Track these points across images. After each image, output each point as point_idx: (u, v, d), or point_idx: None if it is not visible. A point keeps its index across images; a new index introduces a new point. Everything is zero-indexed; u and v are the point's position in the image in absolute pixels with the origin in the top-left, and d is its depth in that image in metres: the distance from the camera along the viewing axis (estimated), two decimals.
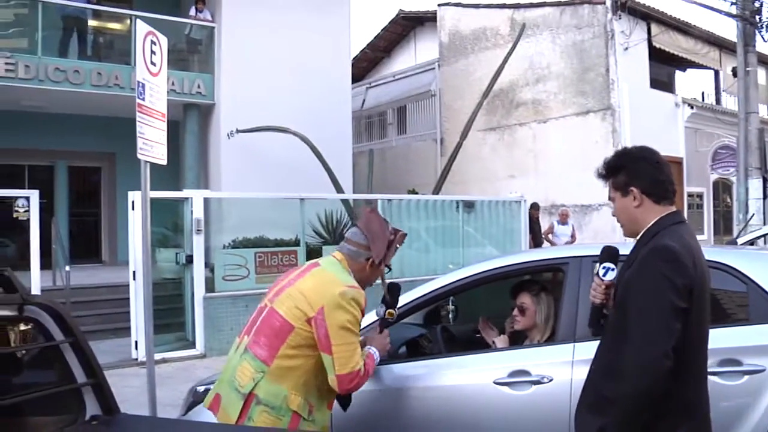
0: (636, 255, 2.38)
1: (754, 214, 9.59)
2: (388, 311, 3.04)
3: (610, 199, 2.55)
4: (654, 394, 2.19)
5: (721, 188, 18.19)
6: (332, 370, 2.65)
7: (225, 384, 2.78)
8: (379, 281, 3.03)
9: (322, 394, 2.78)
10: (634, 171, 2.43)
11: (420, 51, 21.62)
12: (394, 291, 3.07)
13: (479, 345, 3.83)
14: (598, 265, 2.57)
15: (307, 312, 2.68)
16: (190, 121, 13.67)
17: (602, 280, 2.53)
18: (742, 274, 3.09)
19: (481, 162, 17.56)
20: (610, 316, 2.51)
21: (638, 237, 2.44)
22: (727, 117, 16.69)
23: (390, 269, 3.02)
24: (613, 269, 2.51)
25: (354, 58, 18.89)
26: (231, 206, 10.14)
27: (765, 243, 8.97)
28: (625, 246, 2.68)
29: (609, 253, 2.58)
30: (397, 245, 2.96)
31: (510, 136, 17.23)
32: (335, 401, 2.94)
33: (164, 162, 4.97)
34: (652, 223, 2.41)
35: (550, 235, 13.87)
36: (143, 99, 4.71)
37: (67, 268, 9.72)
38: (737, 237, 6.61)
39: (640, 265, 2.30)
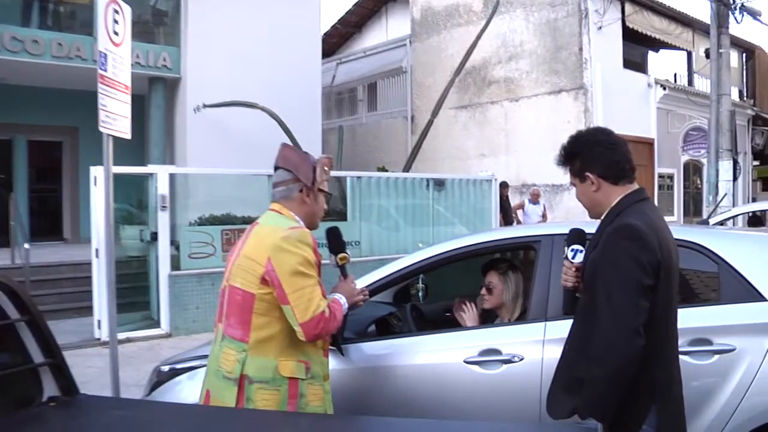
0: (601, 235, 2.39)
1: (726, 195, 9.74)
2: (339, 257, 2.89)
3: (571, 184, 2.56)
4: (626, 373, 2.21)
5: (692, 170, 18.45)
6: (294, 320, 2.55)
7: (212, 376, 2.72)
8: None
9: (315, 348, 2.71)
10: (589, 156, 2.44)
11: (392, 27, 21.46)
12: (332, 235, 2.94)
13: (449, 324, 3.84)
14: (566, 248, 2.58)
15: (258, 271, 2.58)
16: (155, 95, 13.43)
17: (572, 262, 2.54)
18: (714, 253, 3.12)
19: (451, 140, 17.56)
20: (581, 299, 2.52)
21: (602, 217, 2.45)
22: (699, 98, 16.87)
23: (330, 194, 2.91)
24: (581, 251, 2.52)
25: (324, 34, 18.71)
26: (197, 182, 10.00)
27: (733, 224, 9.13)
28: (592, 225, 2.68)
29: (576, 235, 2.59)
30: (325, 168, 2.81)
31: (481, 114, 17.23)
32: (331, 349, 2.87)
33: (128, 136, 4.86)
34: (615, 203, 2.42)
35: (519, 212, 13.96)
36: (105, 70, 4.58)
37: (27, 245, 9.53)
38: (709, 217, 6.69)
39: (604, 244, 2.31)
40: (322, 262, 2.72)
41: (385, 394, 3.20)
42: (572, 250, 2.55)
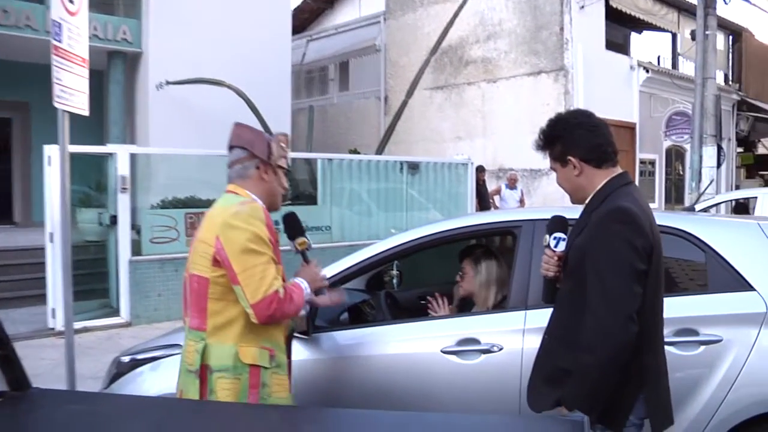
0: (587, 220, 2.39)
1: (712, 181, 9.85)
2: (298, 242, 2.85)
3: (551, 168, 2.56)
4: (619, 361, 2.22)
5: (674, 156, 18.64)
6: (246, 301, 2.48)
7: (181, 373, 2.68)
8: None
9: (278, 332, 2.67)
10: (570, 139, 2.44)
11: (365, 3, 21.30)
12: (289, 221, 2.89)
13: (425, 312, 3.84)
14: (547, 236, 2.57)
15: (209, 253, 2.54)
16: (114, 70, 13.18)
17: (554, 251, 2.53)
18: (701, 241, 3.15)
19: (426, 122, 17.53)
20: (563, 286, 2.52)
21: (587, 202, 2.45)
22: (683, 82, 17.01)
23: (289, 170, 2.85)
24: (564, 239, 2.52)
25: (294, 9, 18.51)
26: (160, 163, 9.86)
27: (716, 212, 9.24)
28: (573, 211, 2.69)
29: (559, 223, 2.59)
30: (282, 144, 2.77)
31: (458, 95, 17.22)
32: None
33: (86, 113, 4.74)
34: (600, 186, 2.42)
35: (496, 197, 14.01)
36: (60, 41, 4.46)
37: None
38: (695, 204, 6.77)
39: (596, 229, 2.31)
40: (283, 248, 2.68)
41: (359, 385, 3.19)
42: (555, 238, 2.55)
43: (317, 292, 2.77)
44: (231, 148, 2.76)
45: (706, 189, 8.48)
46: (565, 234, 2.54)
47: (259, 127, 11.94)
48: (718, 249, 3.11)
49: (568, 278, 2.47)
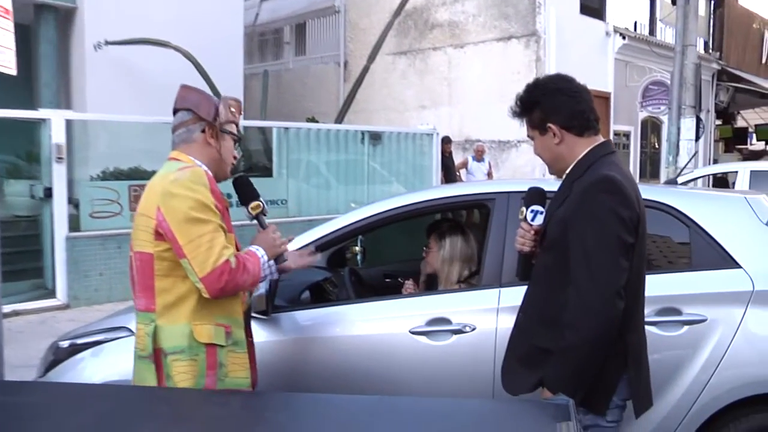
0: (568, 191, 2.40)
1: (696, 153, 9.96)
2: (251, 206, 2.75)
3: (528, 137, 2.55)
4: (606, 339, 2.23)
5: (650, 128, 18.88)
6: (194, 275, 2.42)
7: (135, 360, 2.62)
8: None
9: (234, 306, 2.61)
10: (550, 105, 2.44)
11: None
12: (240, 184, 2.80)
13: (391, 290, 3.83)
14: (524, 209, 2.56)
15: (151, 225, 2.48)
16: (44, 26, 12.77)
17: (531, 225, 2.53)
18: (685, 215, 3.17)
19: (388, 89, 17.45)
20: (540, 260, 2.52)
21: (567, 172, 2.45)
22: (661, 50, 17.15)
23: (239, 138, 2.78)
24: (542, 212, 2.52)
25: None
26: (100, 131, 9.66)
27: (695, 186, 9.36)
28: (549, 183, 2.69)
29: (536, 195, 2.58)
30: (231, 108, 2.71)
31: (422, 61, 17.15)
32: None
33: (13, 72, 4.58)
34: (582, 155, 2.42)
35: (463, 171, 14.05)
36: None
37: None
38: (678, 176, 6.87)
39: (580, 199, 2.31)
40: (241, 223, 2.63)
41: (322, 369, 3.18)
42: (532, 211, 2.54)
43: (277, 259, 2.71)
44: (175, 111, 2.69)
45: (689, 161, 8.58)
46: (543, 207, 2.53)
47: (209, 92, 11.79)
48: (702, 224, 3.14)
49: (546, 252, 2.47)
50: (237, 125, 2.77)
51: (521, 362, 2.50)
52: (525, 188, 3.11)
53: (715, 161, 20.42)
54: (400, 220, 3.64)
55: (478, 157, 14.11)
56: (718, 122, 22.74)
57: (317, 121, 14.43)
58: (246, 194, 2.79)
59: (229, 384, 2.53)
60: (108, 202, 8.76)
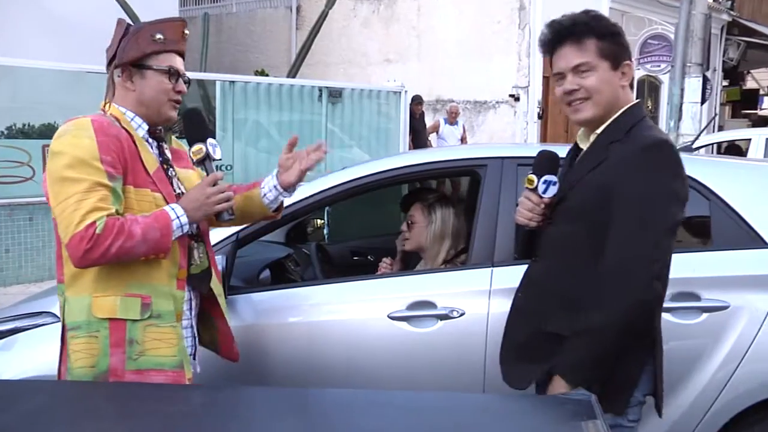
0: (603, 153, 2.35)
1: (716, 115, 9.96)
2: (192, 150, 2.62)
3: (587, 64, 2.37)
4: (636, 325, 2.23)
5: (647, 88, 19.03)
6: (63, 241, 2.36)
7: None
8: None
9: (157, 275, 2.50)
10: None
11: None
12: (189, 120, 2.68)
13: (360, 269, 3.81)
14: (534, 177, 2.48)
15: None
16: None
17: (541, 197, 2.46)
18: (704, 186, 3.17)
19: (348, 40, 17.36)
20: (557, 231, 2.46)
21: (599, 131, 2.40)
22: None
23: (170, 70, 2.59)
24: (555, 183, 2.46)
25: None
26: (4, 78, 9.38)
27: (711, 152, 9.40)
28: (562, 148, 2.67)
29: (549, 161, 2.51)
30: (157, 36, 2.54)
31: (388, 8, 17.08)
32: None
33: None
34: (617, 115, 2.38)
35: (433, 136, 14.05)
36: None
37: None
38: (693, 142, 6.91)
39: (632, 165, 2.25)
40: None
41: (286, 359, 3.16)
42: (545, 182, 2.46)
43: (218, 215, 2.61)
44: None
45: (708, 125, 8.61)
46: (556, 176, 2.48)
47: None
48: (724, 197, 3.14)
49: (568, 222, 2.41)
50: (175, 53, 2.62)
51: (525, 350, 2.49)
52: (520, 153, 3.08)
53: (721, 128, 20.52)
54: (374, 190, 3.61)
55: (451, 119, 14.14)
56: (725, 83, 22.82)
57: (268, 75, 14.28)
58: (191, 133, 2.67)
59: (145, 363, 2.46)
60: (16, 165, 8.57)
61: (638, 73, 17.41)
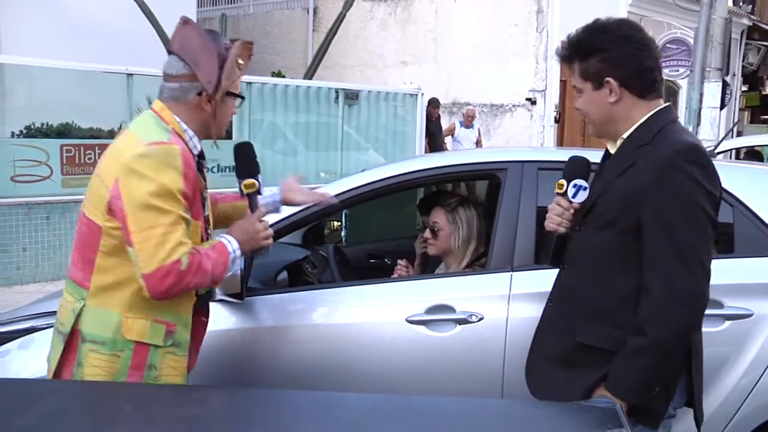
0: (631, 158, 2.32)
1: (738, 121, 9.85)
2: (244, 183, 2.68)
3: (575, 87, 2.45)
4: (698, 327, 2.25)
5: (666, 94, 18.90)
6: (138, 269, 2.35)
7: (53, 332, 2.61)
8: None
9: (182, 304, 2.53)
10: (615, 56, 2.33)
11: None
12: (241, 154, 2.73)
13: (377, 272, 3.80)
14: (564, 182, 2.47)
15: (104, 196, 2.40)
16: None
17: (571, 202, 2.45)
18: (728, 192, 3.11)
19: (364, 42, 17.34)
20: (586, 240, 2.43)
21: (626, 135, 2.37)
22: (682, 2, 17.15)
23: (243, 98, 2.73)
24: (585, 188, 2.45)
25: None
26: (24, 79, 9.42)
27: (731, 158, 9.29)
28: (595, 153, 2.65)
29: (581, 166, 2.50)
30: (239, 60, 2.57)
31: (405, 10, 17.06)
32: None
33: None
34: (644, 120, 2.34)
35: (449, 138, 14.02)
36: None
37: None
38: (716, 147, 6.87)
39: (662, 171, 2.22)
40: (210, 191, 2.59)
41: (302, 362, 3.15)
42: (575, 186, 2.45)
43: (257, 251, 2.69)
44: (170, 52, 2.56)
45: (731, 130, 8.53)
46: (587, 181, 2.46)
47: (155, 41, 11.58)
48: (748, 203, 3.12)
49: (598, 231, 2.38)
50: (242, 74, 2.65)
51: (558, 363, 2.45)
52: (540, 157, 3.07)
53: (740, 133, 20.40)
54: (393, 193, 3.61)
55: (467, 123, 14.08)
56: (745, 88, 22.66)
57: (284, 76, 14.29)
58: (243, 166, 2.72)
59: None
60: (34, 164, 8.58)
61: None
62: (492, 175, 3.51)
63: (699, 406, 2.39)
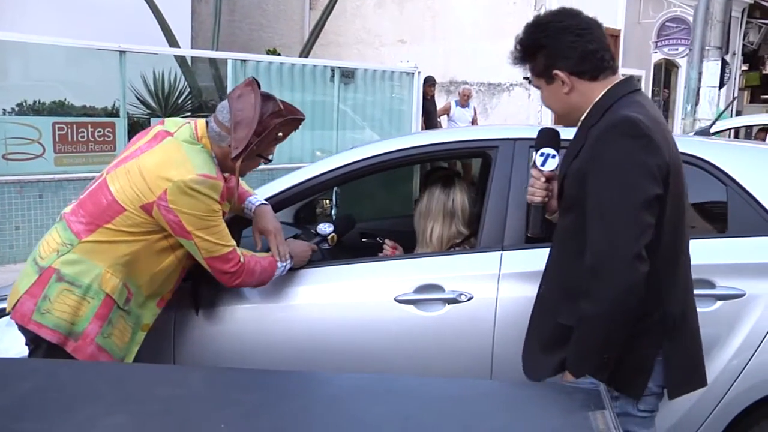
0: (584, 139, 2.36)
1: (735, 98, 9.79)
2: (331, 236, 3.35)
3: (534, 86, 2.53)
4: (627, 310, 2.20)
5: (664, 72, 18.85)
6: (198, 254, 2.81)
7: (28, 261, 2.88)
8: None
9: (150, 286, 2.89)
10: (556, 49, 2.39)
11: None
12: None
13: (369, 252, 3.77)
14: (534, 152, 2.54)
15: (145, 196, 2.72)
16: None
17: (541, 170, 2.51)
18: (720, 171, 3.12)
19: (361, 20, 17.30)
20: (560, 222, 2.51)
21: (583, 118, 2.42)
22: None
23: (269, 161, 3.03)
24: (554, 156, 2.51)
25: None
26: (15, 55, 9.38)
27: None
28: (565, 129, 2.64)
29: (548, 136, 2.56)
30: (279, 133, 2.90)
31: None
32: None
33: None
34: (599, 97, 2.39)
35: (443, 117, 13.98)
36: None
37: None
38: (711, 126, 6.83)
39: (596, 146, 2.27)
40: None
41: (290, 342, 3.14)
42: (542, 154, 2.51)
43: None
44: (227, 98, 2.92)
45: (726, 109, 8.47)
46: (556, 150, 2.51)
47: (149, 17, 11.48)
48: (741, 181, 3.08)
49: (566, 213, 2.45)
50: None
51: (545, 344, 2.47)
52: (532, 135, 3.05)
53: (739, 113, 20.35)
54: (383, 171, 3.59)
55: (463, 102, 14.04)
56: (745, 67, 22.58)
57: (279, 54, 14.22)
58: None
59: (107, 344, 2.79)
60: (27, 142, 8.53)
61: (655, 57, 17.31)
62: (483, 153, 3.47)
63: (672, 379, 2.38)
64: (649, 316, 2.26)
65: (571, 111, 2.45)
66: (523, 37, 2.45)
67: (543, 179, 2.51)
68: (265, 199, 3.27)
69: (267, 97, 2.88)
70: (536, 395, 1.81)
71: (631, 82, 2.45)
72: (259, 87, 2.90)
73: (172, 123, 2.98)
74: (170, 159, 2.77)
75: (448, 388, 1.80)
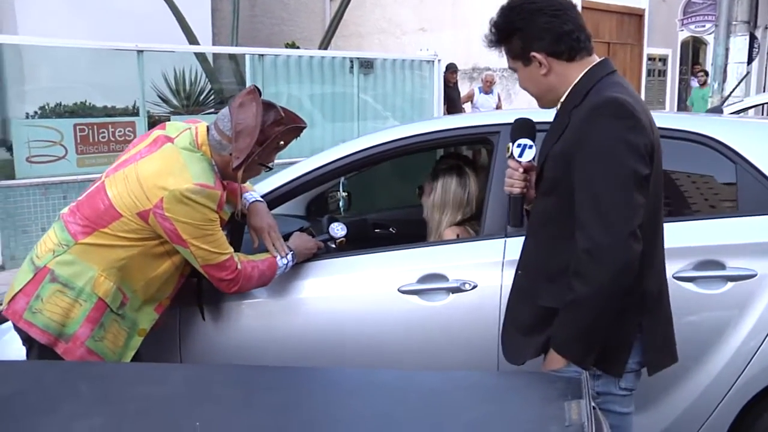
0: (565, 121, 2.38)
1: (748, 74, 9.58)
2: (340, 240, 3.32)
3: (510, 68, 2.54)
4: (622, 288, 2.21)
5: (691, 50, 18.59)
6: (195, 262, 2.83)
7: (26, 259, 2.91)
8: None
9: (146, 291, 2.90)
10: (531, 31, 2.40)
11: None
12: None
13: (379, 242, 3.76)
14: (510, 144, 2.57)
15: (142, 204, 2.74)
16: None
17: (519, 161, 2.54)
18: (730, 149, 3.08)
19: (382, 10, 17.28)
20: (538, 206, 2.54)
21: (562, 100, 2.44)
22: None
23: (270, 168, 3.06)
24: (530, 146, 2.54)
25: None
26: (37, 58, 9.47)
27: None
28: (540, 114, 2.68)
29: (523, 126, 2.60)
30: (281, 142, 2.92)
31: None
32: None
33: None
34: (578, 80, 2.41)
35: (468, 104, 13.93)
36: None
37: None
38: (722, 104, 6.68)
39: (582, 128, 2.28)
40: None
41: (297, 333, 3.15)
42: (519, 145, 2.54)
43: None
44: (228, 107, 2.91)
45: (738, 85, 8.25)
46: (532, 140, 2.54)
47: (168, 16, 11.52)
48: (752, 159, 3.03)
49: (546, 196, 2.46)
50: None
51: (523, 326, 2.50)
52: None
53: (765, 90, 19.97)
54: (388, 159, 3.57)
55: (486, 88, 13.97)
56: None
57: (298, 47, 14.24)
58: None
59: (98, 348, 2.80)
60: (49, 144, 8.58)
61: (682, 35, 17.07)
62: (485, 139, 3.43)
63: (652, 351, 2.39)
64: (629, 295, 2.26)
65: (549, 92, 2.46)
66: (498, 20, 2.46)
67: (521, 170, 2.53)
68: (278, 187, 3.32)
69: (268, 106, 2.90)
70: (517, 385, 1.80)
71: (608, 64, 2.46)
72: (260, 95, 2.91)
73: (172, 128, 2.98)
74: (168, 167, 2.78)
75: (430, 381, 1.80)
